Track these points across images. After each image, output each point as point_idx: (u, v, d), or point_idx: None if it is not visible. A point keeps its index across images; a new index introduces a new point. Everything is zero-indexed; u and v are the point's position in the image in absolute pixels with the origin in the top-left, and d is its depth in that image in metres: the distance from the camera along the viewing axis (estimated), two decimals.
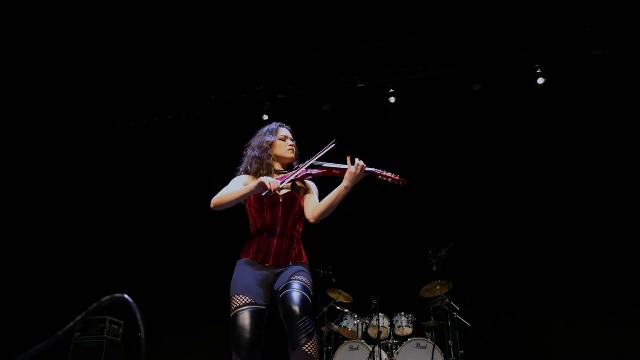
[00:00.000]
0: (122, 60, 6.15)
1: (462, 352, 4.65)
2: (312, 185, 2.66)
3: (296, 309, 2.12)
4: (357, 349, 4.79)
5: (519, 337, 5.21)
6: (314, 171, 2.51)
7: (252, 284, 2.30)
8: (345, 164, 2.46)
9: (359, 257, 5.94)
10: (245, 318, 2.20)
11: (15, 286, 6.16)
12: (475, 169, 6.04)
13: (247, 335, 2.16)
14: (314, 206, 2.51)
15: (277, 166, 2.63)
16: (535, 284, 5.43)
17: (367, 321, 5.12)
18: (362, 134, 6.06)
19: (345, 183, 2.39)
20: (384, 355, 4.74)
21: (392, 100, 6.25)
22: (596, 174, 5.63)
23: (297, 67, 6.36)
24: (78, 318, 0.80)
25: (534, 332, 5.26)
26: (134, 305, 0.74)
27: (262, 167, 2.55)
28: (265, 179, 2.27)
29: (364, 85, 6.37)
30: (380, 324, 4.93)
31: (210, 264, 6.09)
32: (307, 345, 2.07)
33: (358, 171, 2.38)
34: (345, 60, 6.18)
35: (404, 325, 5.04)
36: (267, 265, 2.35)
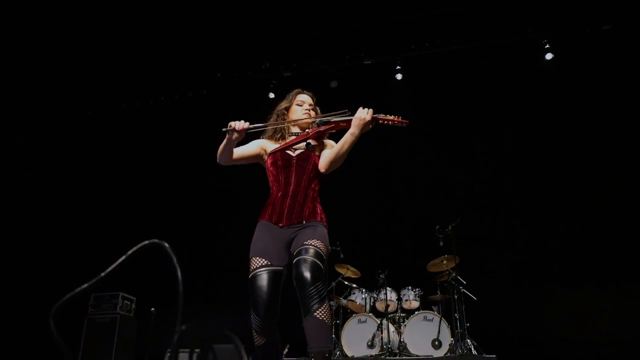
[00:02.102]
0: (127, 40, 6.14)
1: (467, 324, 4.73)
2: (329, 142, 2.67)
3: (307, 275, 2.17)
4: (365, 321, 4.88)
5: (524, 309, 5.29)
6: (322, 127, 2.55)
7: (268, 246, 2.36)
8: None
9: (367, 232, 6.00)
10: (262, 279, 2.27)
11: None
12: (481, 145, 6.05)
13: (264, 295, 2.24)
14: (323, 157, 2.54)
15: (294, 129, 2.68)
16: (540, 257, 5.49)
17: (375, 295, 5.20)
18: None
19: (351, 129, 2.43)
20: (392, 328, 4.83)
21: (399, 76, 6.24)
22: (603, 150, 5.63)
23: (303, 44, 6.33)
24: (117, 262, 0.84)
25: (539, 304, 5.33)
26: (170, 250, 0.78)
27: (277, 131, 2.63)
28: (232, 122, 2.41)
29: (370, 62, 6.36)
30: (388, 298, 5.02)
31: (222, 243, 6.18)
32: (318, 311, 2.13)
33: (366, 117, 2.41)
34: (351, 37, 6.15)
35: (411, 298, 5.13)
36: (280, 225, 2.40)
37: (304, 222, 2.40)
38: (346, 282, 5.38)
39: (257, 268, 2.32)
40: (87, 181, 7.00)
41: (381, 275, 5.15)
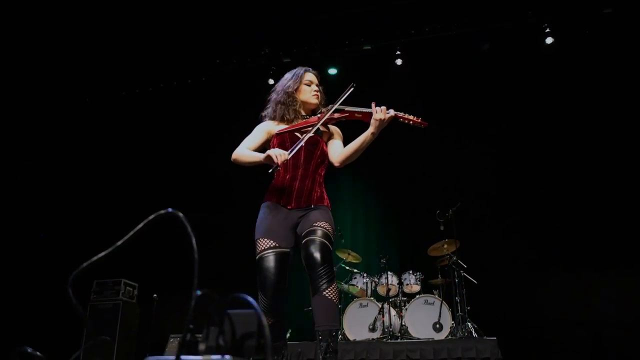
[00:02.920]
0: (125, 27, 6.09)
1: (468, 308, 4.77)
2: (335, 129, 2.69)
3: (317, 256, 2.21)
4: (366, 305, 4.92)
5: (525, 292, 5.33)
6: (336, 115, 2.54)
7: (275, 227, 2.37)
8: (368, 108, 2.48)
9: (367, 217, 6.02)
10: (269, 261, 2.29)
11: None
12: (482, 129, 6.04)
13: (272, 277, 2.26)
14: (339, 150, 2.56)
15: (302, 112, 2.66)
16: (540, 242, 5.52)
17: (376, 279, 5.24)
18: (369, 96, 6.05)
19: (371, 129, 2.42)
20: (393, 312, 4.87)
21: (399, 62, 6.22)
22: (604, 134, 5.63)
23: (302, 30, 6.29)
24: (134, 230, 0.85)
25: (539, 287, 5.38)
26: (184, 219, 0.79)
27: (289, 112, 2.58)
28: (272, 152, 2.29)
29: (370, 48, 6.33)
30: (389, 282, 5.05)
31: (225, 227, 6.19)
32: (327, 291, 2.18)
33: (384, 116, 2.40)
34: (350, 22, 6.11)
35: (412, 282, 5.16)
36: (289, 207, 2.42)
37: (312, 206, 2.42)
38: (347, 267, 5.41)
39: (264, 250, 2.33)
40: (85, 170, 6.98)
41: (382, 260, 5.18)
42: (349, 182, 5.79)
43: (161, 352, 4.90)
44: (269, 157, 2.29)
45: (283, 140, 2.50)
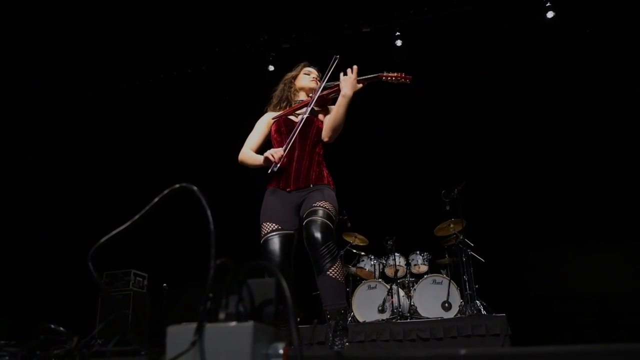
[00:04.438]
0: (122, 20, 6.06)
1: (476, 286, 4.79)
2: (332, 107, 2.69)
3: (318, 236, 2.21)
4: (375, 287, 4.95)
5: (532, 270, 5.35)
6: (326, 92, 2.59)
7: (277, 210, 2.41)
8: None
9: (373, 200, 6.03)
10: (274, 243, 2.33)
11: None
12: (485, 106, 6.01)
13: (277, 258, 2.30)
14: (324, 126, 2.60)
15: (300, 96, 2.74)
16: (547, 218, 5.52)
17: (384, 261, 5.26)
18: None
19: (342, 91, 2.45)
20: (402, 293, 4.90)
21: (399, 43, 6.17)
22: (608, 107, 5.60)
23: (299, 15, 6.24)
24: (150, 204, 0.86)
25: (546, 265, 5.40)
26: (199, 193, 0.80)
27: (282, 99, 2.70)
28: (267, 153, 2.38)
29: (369, 30, 6.28)
30: (397, 263, 5.07)
31: (233, 213, 6.20)
32: (331, 270, 2.19)
33: (349, 76, 2.44)
34: (348, 5, 6.06)
35: (419, 263, 5.19)
36: (288, 190, 2.45)
37: (311, 186, 2.43)
38: (354, 250, 5.44)
39: (268, 233, 2.37)
40: (90, 161, 7.01)
41: (389, 242, 5.20)
42: (353, 165, 5.78)
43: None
44: (266, 159, 2.38)
45: (279, 126, 2.59)
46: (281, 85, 2.77)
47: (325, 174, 2.53)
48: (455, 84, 6.10)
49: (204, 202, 0.82)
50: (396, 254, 5.15)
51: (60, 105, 7.00)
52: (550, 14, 5.62)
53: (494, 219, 5.56)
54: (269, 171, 2.39)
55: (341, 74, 2.49)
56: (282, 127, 2.55)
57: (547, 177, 5.70)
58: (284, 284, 0.73)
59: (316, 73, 2.78)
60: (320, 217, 2.27)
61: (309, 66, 2.83)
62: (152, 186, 5.77)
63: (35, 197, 6.82)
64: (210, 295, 0.77)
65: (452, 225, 5.09)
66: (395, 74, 2.50)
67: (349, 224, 5.40)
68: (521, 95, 5.93)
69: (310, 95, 2.65)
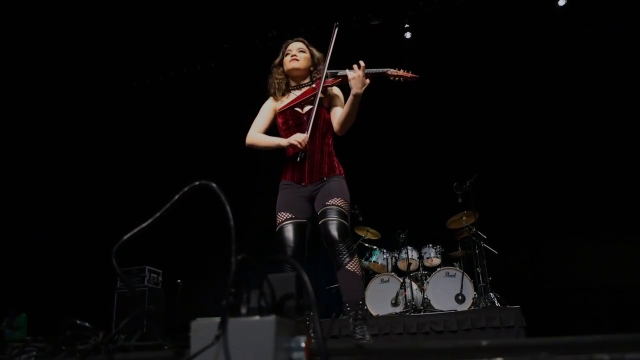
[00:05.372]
0: (131, 17, 6.09)
1: (490, 278, 4.76)
2: (336, 92, 2.68)
3: (334, 234, 2.32)
4: (387, 281, 4.95)
5: (546, 261, 5.32)
6: (330, 81, 2.57)
7: (292, 201, 2.49)
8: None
9: (384, 193, 6.02)
10: (288, 230, 2.43)
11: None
12: (496, 98, 5.96)
13: (291, 243, 2.41)
14: (336, 118, 2.58)
15: (292, 82, 2.70)
16: (560, 209, 5.48)
17: (396, 255, 5.25)
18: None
19: (352, 90, 2.43)
20: (415, 286, 4.89)
21: (408, 35, 6.14)
22: (620, 97, 5.52)
23: (307, 9, 6.23)
24: (170, 202, 0.87)
25: (559, 256, 5.36)
26: (219, 190, 0.81)
27: (277, 88, 2.67)
28: (293, 139, 2.41)
29: (377, 23, 6.25)
30: (409, 257, 5.07)
31: (247, 207, 6.23)
32: (349, 264, 2.30)
33: (357, 74, 2.40)
34: None
35: (432, 256, 5.17)
36: (303, 184, 2.51)
37: (325, 178, 2.49)
38: (366, 244, 5.44)
39: (283, 221, 2.46)
40: (99, 163, 7.07)
41: (401, 235, 5.19)
42: (365, 159, 5.78)
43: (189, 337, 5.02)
44: (293, 146, 2.43)
45: (286, 119, 2.59)
46: (270, 76, 2.73)
47: (336, 165, 2.56)
48: (466, 76, 6.05)
49: (223, 198, 0.83)
50: (409, 247, 5.14)
51: (71, 103, 7.07)
52: (562, 2, 5.55)
53: (507, 211, 5.53)
54: (298, 159, 2.44)
55: (348, 71, 2.45)
56: (290, 120, 2.56)
57: (559, 167, 5.64)
58: (305, 277, 0.74)
59: (298, 45, 2.73)
60: (335, 217, 2.36)
61: (290, 42, 2.77)
62: (165, 183, 5.83)
63: (46, 196, 6.90)
64: (233, 290, 0.78)
65: (464, 218, 5.06)
66: (402, 73, 2.46)
67: (361, 218, 5.40)
68: (533, 87, 5.87)
69: (315, 81, 2.61)
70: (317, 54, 2.73)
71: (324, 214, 2.39)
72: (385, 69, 2.47)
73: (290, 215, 2.46)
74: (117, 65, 6.79)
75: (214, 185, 0.85)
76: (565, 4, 5.54)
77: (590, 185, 5.47)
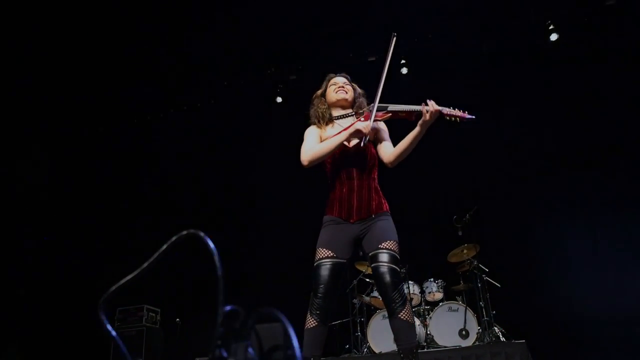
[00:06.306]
0: (134, 56, 6.21)
1: (493, 312, 4.69)
2: (381, 126, 2.70)
3: (389, 281, 2.33)
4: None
5: (551, 293, 5.24)
6: (379, 116, 2.55)
7: (336, 238, 2.47)
8: (406, 104, 2.54)
9: None
10: (326, 269, 2.41)
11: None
12: (494, 130, 6.00)
13: (325, 282, 2.39)
14: (390, 151, 2.60)
15: (336, 112, 2.73)
16: (563, 239, 5.44)
17: None
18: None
19: (420, 130, 2.47)
20: (417, 321, 4.81)
21: (404, 70, 6.24)
22: (612, 128, 5.56)
23: (305, 46, 6.36)
24: (158, 252, 0.87)
25: (564, 287, 5.28)
26: (207, 239, 0.80)
27: (320, 115, 2.69)
28: (357, 125, 2.43)
29: (374, 59, 6.36)
30: (411, 291, 5.00)
31: (243, 249, 6.20)
32: (402, 313, 2.31)
33: (429, 117, 2.43)
34: (353, 35, 6.16)
35: (434, 290, 5.11)
36: (351, 221, 2.49)
37: (373, 216, 2.49)
38: (367, 279, 5.37)
39: (322, 258, 2.44)
40: (101, 194, 7.06)
41: (402, 269, 5.13)
42: None
43: None
44: (358, 131, 2.42)
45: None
46: (312, 107, 2.76)
47: (383, 200, 2.57)
48: (462, 106, 6.11)
49: (211, 247, 0.82)
50: (410, 282, 5.08)
51: (72, 138, 7.11)
52: (553, 37, 5.67)
53: (508, 243, 5.49)
54: (362, 144, 2.42)
55: (422, 107, 2.45)
56: (336, 154, 2.54)
57: (558, 198, 5.63)
58: (291, 330, 0.73)
59: (343, 80, 2.78)
60: (387, 262, 2.36)
61: (334, 76, 2.82)
62: (164, 212, 5.79)
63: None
64: (219, 342, 0.76)
65: (465, 251, 5.02)
66: (458, 113, 2.44)
67: (361, 253, 5.34)
68: (529, 117, 5.92)
69: (363, 114, 2.61)
70: (358, 89, 2.81)
71: (377, 258, 2.39)
72: (442, 108, 2.46)
73: (331, 254, 2.43)
74: (118, 102, 6.89)
75: (201, 234, 0.85)
76: (557, 38, 5.64)
77: (592, 213, 5.44)
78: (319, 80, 2.89)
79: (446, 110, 2.44)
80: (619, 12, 5.49)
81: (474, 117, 2.43)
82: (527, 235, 5.56)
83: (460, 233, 4.98)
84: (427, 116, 2.41)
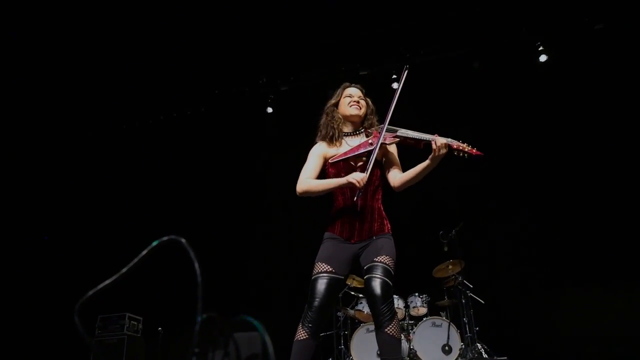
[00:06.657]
0: (124, 60, 6.20)
1: (477, 328, 4.71)
2: (390, 148, 2.66)
3: (378, 293, 2.31)
4: (373, 330, 4.83)
5: (533, 310, 5.26)
6: (388, 140, 2.53)
7: (335, 255, 2.47)
8: (416, 131, 2.54)
9: None
10: (322, 283, 2.40)
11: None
12: (481, 147, 6.05)
13: (321, 296, 2.37)
14: (398, 176, 2.59)
15: (347, 127, 2.67)
16: (546, 258, 5.47)
17: None
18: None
19: (430, 163, 2.47)
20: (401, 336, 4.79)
21: (395, 85, 6.29)
22: (602, 149, 5.63)
23: (297, 57, 6.39)
24: (137, 257, 0.86)
25: (547, 305, 5.30)
26: (187, 245, 0.80)
27: (331, 131, 2.62)
28: (352, 177, 2.37)
29: (366, 73, 6.41)
30: (395, 305, 4.97)
31: (233, 260, 6.16)
32: (389, 328, 2.29)
33: (437, 152, 2.43)
34: (345, 48, 6.21)
35: (418, 305, 5.11)
36: (352, 241, 2.50)
37: (374, 238, 2.49)
38: (352, 293, 5.36)
39: (320, 272, 2.43)
40: (87, 202, 7.00)
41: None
42: None
43: None
44: (352, 184, 2.38)
45: (338, 170, 2.55)
46: (324, 117, 2.70)
47: (385, 222, 2.56)
48: (451, 124, 6.17)
49: (192, 255, 0.82)
50: (394, 296, 5.04)
51: (63, 141, 7.05)
52: (543, 58, 5.77)
53: (493, 260, 5.52)
54: (355, 198, 2.40)
55: (435, 137, 2.45)
56: (342, 172, 2.52)
57: (547, 217, 5.67)
58: (268, 340, 0.72)
59: (359, 92, 2.72)
60: (380, 275, 2.34)
61: (349, 86, 2.74)
62: (151, 219, 5.75)
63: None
64: (196, 350, 0.76)
65: (450, 267, 5.04)
66: (467, 149, 2.45)
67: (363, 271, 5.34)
68: (516, 135, 5.99)
69: (372, 133, 2.57)
70: (371, 104, 2.76)
71: (371, 270, 2.38)
72: (451, 141, 2.46)
73: (329, 269, 2.42)
74: (107, 107, 6.85)
75: (182, 240, 0.84)
76: (547, 59, 5.74)
77: (579, 234, 5.47)
78: (311, 91, 2.86)
79: (455, 144, 2.44)
80: (607, 36, 5.60)
81: (482, 154, 2.44)
82: (511, 253, 5.59)
83: (445, 249, 5.00)
84: (436, 151, 2.42)
